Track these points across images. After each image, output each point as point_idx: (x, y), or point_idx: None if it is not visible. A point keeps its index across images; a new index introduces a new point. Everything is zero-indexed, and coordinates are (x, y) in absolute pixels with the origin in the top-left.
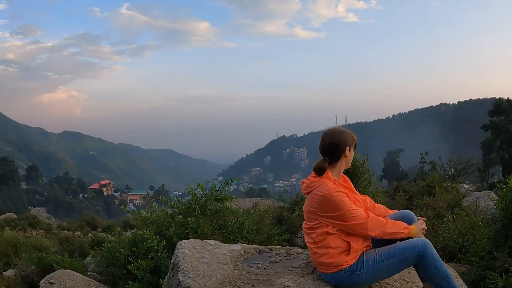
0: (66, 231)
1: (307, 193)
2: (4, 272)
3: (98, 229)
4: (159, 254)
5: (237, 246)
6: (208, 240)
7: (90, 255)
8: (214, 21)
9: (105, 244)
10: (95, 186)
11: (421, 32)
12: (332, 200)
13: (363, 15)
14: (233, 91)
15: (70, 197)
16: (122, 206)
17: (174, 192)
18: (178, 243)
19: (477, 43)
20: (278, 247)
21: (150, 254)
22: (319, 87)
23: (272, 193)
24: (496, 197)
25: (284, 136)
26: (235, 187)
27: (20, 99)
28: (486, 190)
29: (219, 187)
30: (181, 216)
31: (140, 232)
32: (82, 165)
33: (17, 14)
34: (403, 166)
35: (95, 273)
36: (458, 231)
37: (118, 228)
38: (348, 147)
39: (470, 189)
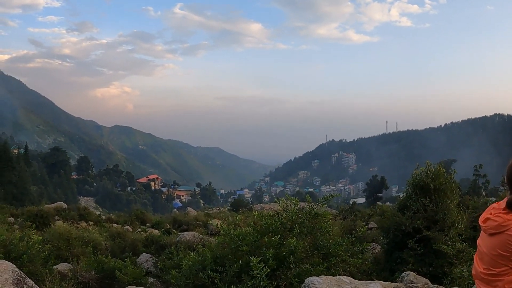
0: (116, 225)
1: (496, 233)
2: (55, 266)
3: (147, 224)
4: (261, 283)
5: (376, 285)
6: (341, 277)
7: (171, 276)
8: (267, 23)
9: (185, 261)
10: (143, 180)
11: (476, 39)
12: None
13: (417, 20)
14: (284, 93)
15: (119, 189)
16: (207, 220)
17: (221, 191)
18: (309, 282)
19: None
20: (420, 285)
21: (244, 279)
22: (371, 92)
23: (319, 198)
24: None
25: (333, 140)
26: (281, 189)
27: (75, 93)
28: None
29: (316, 202)
30: (278, 236)
31: (223, 247)
32: (131, 159)
33: (73, 11)
34: (454, 178)
35: (155, 280)
36: None
37: (168, 225)
38: None
39: None
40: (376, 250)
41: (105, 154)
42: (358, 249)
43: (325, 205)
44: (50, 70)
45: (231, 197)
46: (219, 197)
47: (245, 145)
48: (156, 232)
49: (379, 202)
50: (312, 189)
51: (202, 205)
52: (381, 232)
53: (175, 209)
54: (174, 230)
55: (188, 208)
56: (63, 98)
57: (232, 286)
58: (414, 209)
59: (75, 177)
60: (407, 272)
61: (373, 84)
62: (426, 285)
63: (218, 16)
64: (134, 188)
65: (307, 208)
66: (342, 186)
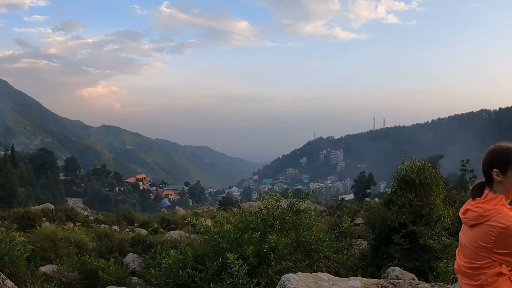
0: (103, 225)
1: (476, 224)
2: (41, 268)
3: (135, 224)
4: (240, 280)
5: (356, 282)
6: (318, 274)
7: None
8: (253, 20)
9: (165, 259)
10: (132, 180)
11: (463, 36)
12: None
13: (404, 17)
14: (271, 91)
15: (107, 189)
16: (189, 218)
17: (209, 189)
18: (285, 279)
19: None
20: (401, 281)
21: (224, 277)
22: (358, 89)
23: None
24: None
25: (321, 137)
26: (270, 187)
27: (61, 93)
28: None
29: (298, 198)
30: (258, 232)
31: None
32: (119, 159)
33: (59, 10)
34: (442, 173)
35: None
36: None
37: (156, 224)
38: (499, 169)
39: None
40: (363, 246)
41: (93, 154)
42: (343, 245)
43: (307, 201)
44: (36, 70)
45: (220, 195)
46: (207, 195)
47: (233, 143)
48: (143, 231)
49: (367, 198)
50: (301, 186)
51: (191, 204)
52: (368, 227)
53: (163, 209)
54: (162, 230)
55: (177, 207)
56: (50, 99)
57: (212, 284)
58: (399, 204)
59: (62, 178)
60: (393, 268)
61: (360, 81)
62: (409, 281)
63: (205, 14)
64: (122, 188)
65: (289, 204)
66: (330, 183)
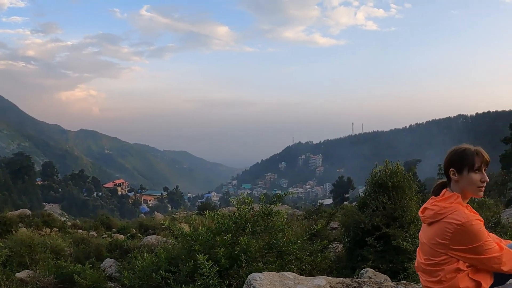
0: (81, 231)
1: (434, 222)
2: (17, 274)
3: (113, 229)
4: (210, 281)
5: (321, 281)
6: (284, 273)
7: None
8: (233, 25)
9: (139, 262)
10: (110, 185)
11: (440, 42)
12: (470, 230)
13: (383, 24)
14: (251, 96)
15: (85, 195)
16: (165, 222)
17: (188, 194)
18: (251, 278)
19: (495, 55)
20: (366, 280)
21: (196, 278)
22: (337, 95)
23: (286, 200)
24: None
25: (300, 142)
26: (249, 192)
27: (39, 96)
28: (504, 205)
29: (269, 201)
30: (230, 234)
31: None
32: (97, 164)
33: (38, 12)
34: (420, 177)
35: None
36: None
37: (134, 230)
38: (455, 169)
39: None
40: (339, 249)
41: (71, 159)
42: (317, 247)
43: (279, 204)
44: (14, 72)
45: (199, 200)
46: (186, 201)
47: (212, 148)
48: (121, 237)
49: (346, 203)
50: (280, 191)
51: (170, 209)
52: (343, 230)
53: (142, 214)
54: (140, 235)
55: (155, 212)
56: (27, 102)
57: (184, 286)
58: (373, 207)
59: (40, 183)
60: (366, 269)
61: (339, 86)
62: (374, 280)
63: (185, 18)
64: (100, 194)
65: (261, 207)
66: (309, 188)
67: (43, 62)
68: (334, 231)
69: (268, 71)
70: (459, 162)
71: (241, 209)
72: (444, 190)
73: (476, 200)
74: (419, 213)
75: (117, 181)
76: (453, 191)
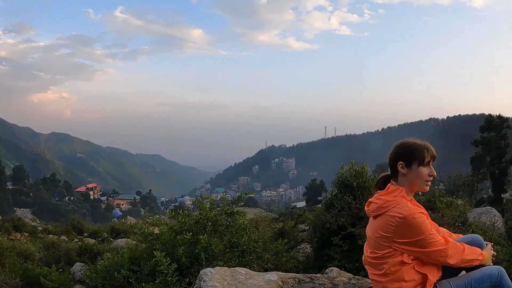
0: (52, 235)
1: (378, 215)
2: None
3: (84, 234)
4: (169, 278)
5: (273, 276)
6: (237, 268)
7: (86, 275)
8: (208, 29)
9: (101, 261)
10: (82, 189)
11: (413, 47)
12: (413, 223)
13: (356, 29)
14: (224, 99)
15: (56, 199)
16: (124, 220)
17: (161, 198)
18: (202, 273)
19: (466, 60)
20: (319, 275)
21: (156, 276)
22: (310, 98)
23: (260, 203)
24: (498, 214)
25: (273, 146)
26: (222, 195)
27: (10, 98)
28: (474, 205)
29: (232, 200)
30: (190, 233)
31: (140, 247)
32: (69, 167)
33: (11, 11)
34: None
35: (84, 286)
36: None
37: (105, 234)
38: (404, 162)
39: (462, 204)
40: (308, 250)
41: (42, 162)
42: (282, 247)
43: (241, 204)
44: None
45: (172, 204)
46: (159, 205)
47: (186, 152)
48: (92, 241)
49: (319, 205)
50: (253, 195)
51: (143, 213)
52: (311, 231)
53: (114, 218)
54: (111, 239)
55: (128, 216)
56: None
57: (144, 284)
58: (339, 207)
59: (10, 187)
60: (331, 268)
61: (313, 90)
62: (327, 275)
63: (159, 21)
64: (72, 198)
65: (222, 207)
66: (282, 191)
67: (15, 63)
68: (303, 232)
69: (242, 74)
70: (409, 155)
71: (203, 208)
72: (389, 184)
73: (445, 200)
74: (365, 208)
75: (89, 185)
76: (400, 185)
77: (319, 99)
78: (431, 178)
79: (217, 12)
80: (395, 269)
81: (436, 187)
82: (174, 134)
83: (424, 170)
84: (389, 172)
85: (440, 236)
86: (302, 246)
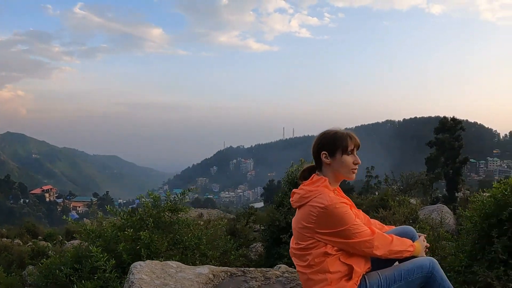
0: (5, 239)
1: (300, 206)
2: None
3: (39, 237)
4: (107, 274)
5: (204, 269)
6: (168, 262)
7: (27, 273)
8: (168, 28)
9: (44, 259)
10: (37, 191)
11: (372, 51)
12: (334, 213)
13: (316, 32)
14: (183, 100)
15: (11, 202)
16: (64, 216)
17: (119, 200)
18: (132, 266)
19: (423, 64)
20: (252, 269)
21: (97, 274)
22: (269, 100)
23: (218, 204)
24: (449, 211)
25: (231, 146)
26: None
27: None
28: (429, 204)
29: (175, 196)
30: (132, 229)
31: (84, 246)
32: (24, 169)
33: None
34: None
35: None
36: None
37: (60, 237)
38: (327, 152)
39: (416, 203)
40: (261, 249)
41: None
42: (232, 245)
43: (186, 200)
44: None
45: (130, 206)
46: (117, 206)
47: (144, 153)
48: (45, 244)
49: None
50: (212, 196)
51: (98, 215)
52: (263, 230)
53: (70, 221)
54: (66, 242)
55: (85, 219)
56: None
57: (84, 281)
58: (288, 205)
59: None
60: (279, 265)
61: (272, 91)
62: (260, 269)
63: (119, 19)
64: (27, 200)
65: (165, 203)
66: (241, 192)
67: None
68: (257, 232)
69: (201, 75)
70: (332, 145)
71: (145, 205)
72: (314, 174)
73: (397, 198)
74: (291, 199)
75: (45, 187)
76: (324, 174)
77: (278, 100)
78: (356, 167)
79: (178, 12)
80: (319, 260)
81: (390, 187)
82: (132, 134)
83: (349, 159)
84: (313, 163)
85: (366, 227)
86: (255, 245)
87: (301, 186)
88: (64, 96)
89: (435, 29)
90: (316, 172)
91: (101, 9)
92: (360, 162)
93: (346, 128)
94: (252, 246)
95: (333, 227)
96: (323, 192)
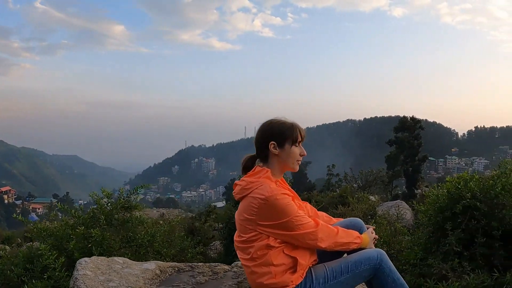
0: None
1: (242, 197)
2: None
3: None
4: (57, 273)
5: (151, 265)
6: (115, 258)
7: None
8: (130, 25)
9: None
10: None
11: (334, 52)
12: (276, 205)
13: (279, 31)
14: (144, 98)
15: None
16: (20, 216)
17: (79, 201)
18: (77, 262)
19: (384, 65)
20: (201, 264)
21: (47, 273)
22: (231, 99)
23: (180, 203)
24: (408, 207)
25: (192, 146)
26: (142, 197)
27: None
28: (389, 201)
29: (127, 194)
30: (83, 227)
31: (36, 246)
32: None
33: None
34: (310, 178)
35: None
36: (382, 240)
37: (19, 239)
38: (276, 142)
39: (375, 200)
40: (220, 247)
41: None
42: (189, 243)
43: (140, 198)
44: None
45: (91, 207)
46: (78, 208)
47: (104, 152)
48: (3, 247)
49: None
50: (173, 195)
51: (60, 217)
52: (221, 228)
53: (30, 224)
54: (24, 244)
55: (45, 221)
56: None
57: (34, 281)
58: None
59: None
60: (236, 262)
61: (233, 90)
62: (209, 264)
63: (81, 14)
64: None
65: (118, 200)
66: (203, 191)
67: None
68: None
69: (163, 73)
70: (281, 135)
71: (97, 202)
72: (256, 166)
73: (356, 195)
74: (233, 191)
75: (3, 189)
76: (269, 165)
77: (239, 99)
78: (301, 158)
79: (141, 8)
80: (261, 253)
81: (350, 184)
82: (92, 134)
83: (296, 150)
84: (254, 153)
85: (310, 219)
86: (214, 243)
87: (242, 178)
88: (23, 94)
89: (397, 31)
90: (259, 162)
91: (63, 4)
92: (306, 153)
93: (307, 128)
94: (211, 244)
95: (275, 219)
96: (264, 183)
